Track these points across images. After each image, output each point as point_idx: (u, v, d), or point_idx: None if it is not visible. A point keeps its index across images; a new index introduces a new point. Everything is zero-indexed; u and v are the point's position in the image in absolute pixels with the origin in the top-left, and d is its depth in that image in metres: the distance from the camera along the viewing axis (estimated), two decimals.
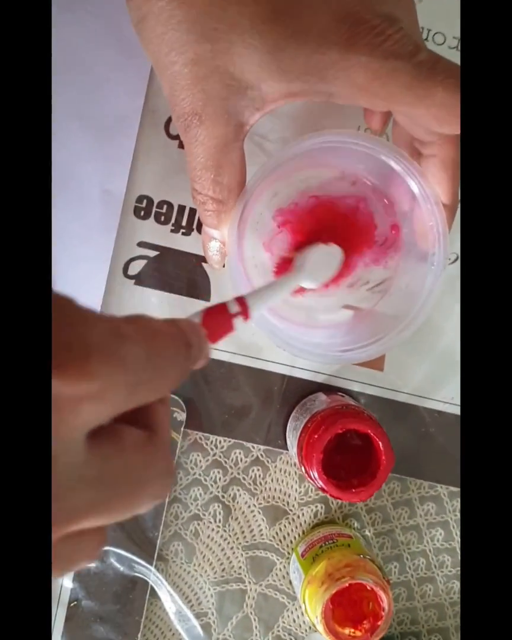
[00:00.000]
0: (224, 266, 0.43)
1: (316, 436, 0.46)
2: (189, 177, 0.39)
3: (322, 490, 0.46)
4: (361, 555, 0.48)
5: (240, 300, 0.35)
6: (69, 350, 0.18)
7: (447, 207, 0.41)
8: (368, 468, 0.47)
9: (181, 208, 0.50)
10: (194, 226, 0.50)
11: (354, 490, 0.46)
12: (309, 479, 0.47)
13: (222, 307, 0.34)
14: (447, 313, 0.53)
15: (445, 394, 0.53)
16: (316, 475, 0.45)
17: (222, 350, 0.51)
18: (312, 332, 0.49)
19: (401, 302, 0.46)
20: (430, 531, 0.53)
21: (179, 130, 0.38)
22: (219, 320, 0.34)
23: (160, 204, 0.50)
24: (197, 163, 0.38)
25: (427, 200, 0.41)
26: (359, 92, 0.35)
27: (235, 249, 0.41)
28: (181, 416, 0.50)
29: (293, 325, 0.48)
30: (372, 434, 0.46)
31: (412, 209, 0.44)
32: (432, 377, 0.53)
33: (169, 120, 0.50)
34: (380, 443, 0.46)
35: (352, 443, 0.49)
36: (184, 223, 0.50)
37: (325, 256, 0.45)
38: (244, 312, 0.34)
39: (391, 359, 0.53)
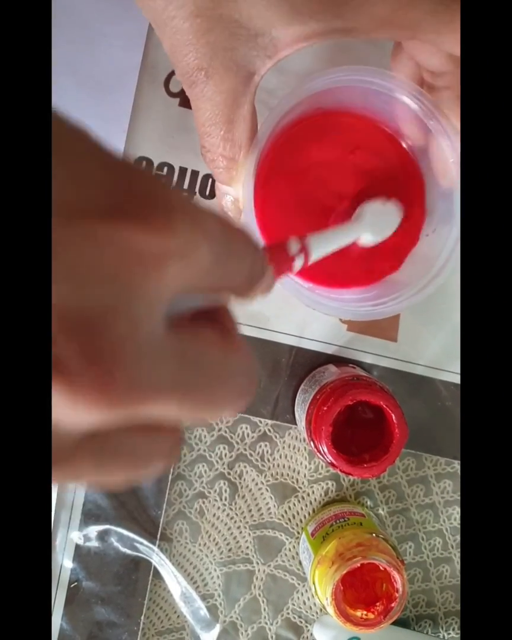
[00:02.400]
0: None
1: (325, 408, 0.43)
2: (197, 134, 0.37)
3: (332, 465, 0.43)
4: (374, 535, 0.46)
5: (302, 241, 0.33)
6: (153, 204, 0.17)
7: None
8: (381, 442, 0.45)
9: (183, 170, 0.48)
10: (197, 189, 0.48)
11: (365, 465, 0.43)
12: (318, 454, 0.44)
13: (282, 245, 0.33)
14: None
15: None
16: (325, 450, 0.43)
17: None
18: (339, 291, 0.46)
19: (429, 252, 0.43)
20: (447, 510, 0.51)
21: (184, 87, 0.36)
22: (279, 256, 0.33)
23: (161, 166, 0.47)
24: (206, 119, 0.36)
25: (445, 136, 0.39)
26: (381, 24, 0.33)
27: (251, 206, 0.38)
28: None
29: (316, 285, 0.46)
30: (384, 406, 0.43)
31: (427, 147, 0.41)
32: (449, 348, 0.50)
33: (170, 76, 0.47)
34: (393, 416, 0.43)
35: (363, 417, 0.47)
36: (185, 186, 0.48)
37: (385, 213, 0.42)
38: (304, 252, 0.33)
39: (405, 328, 0.50)
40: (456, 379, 0.50)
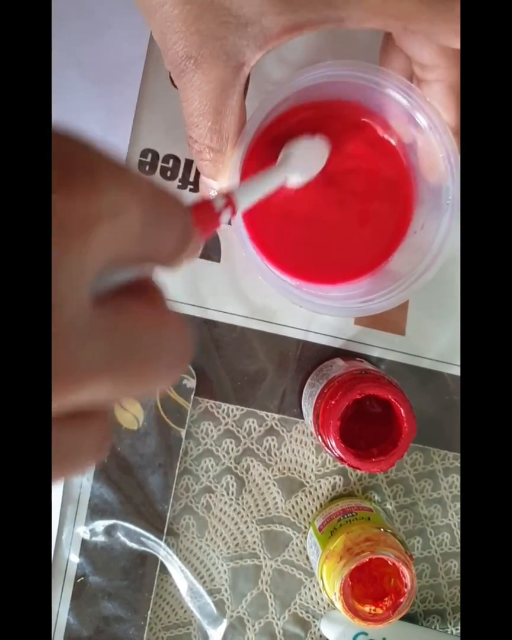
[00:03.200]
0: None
1: (332, 402, 0.43)
2: (185, 125, 0.37)
3: (340, 460, 0.43)
4: (382, 529, 0.45)
5: (226, 195, 0.32)
6: (72, 167, 0.15)
7: (456, 135, 0.39)
8: (389, 437, 0.44)
9: (188, 163, 0.47)
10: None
11: (374, 459, 0.43)
12: (326, 448, 0.44)
13: (207, 203, 0.31)
14: None
15: None
16: (333, 444, 0.43)
17: (234, 313, 0.48)
18: (329, 288, 0.46)
19: (420, 245, 0.43)
20: (455, 504, 0.51)
21: (173, 77, 0.35)
22: (205, 215, 0.31)
23: (166, 158, 0.47)
24: (194, 109, 0.36)
25: (435, 130, 0.39)
26: (373, 14, 0.32)
27: None
28: (191, 383, 0.47)
29: (308, 283, 0.45)
30: (392, 400, 0.43)
31: (416, 142, 0.41)
32: (456, 341, 0.50)
33: None
34: (401, 409, 0.43)
35: (372, 411, 0.47)
36: (191, 179, 0.47)
37: (311, 149, 0.41)
38: (230, 205, 0.32)
39: (412, 321, 0.49)
40: None
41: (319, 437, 0.45)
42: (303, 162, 0.41)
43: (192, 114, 0.36)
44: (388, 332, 0.50)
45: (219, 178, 0.38)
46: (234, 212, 0.32)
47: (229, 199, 0.32)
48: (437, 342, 0.50)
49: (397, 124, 0.43)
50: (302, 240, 0.45)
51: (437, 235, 0.41)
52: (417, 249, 0.43)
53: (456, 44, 0.34)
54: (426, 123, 0.40)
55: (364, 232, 0.45)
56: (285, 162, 0.40)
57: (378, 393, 0.43)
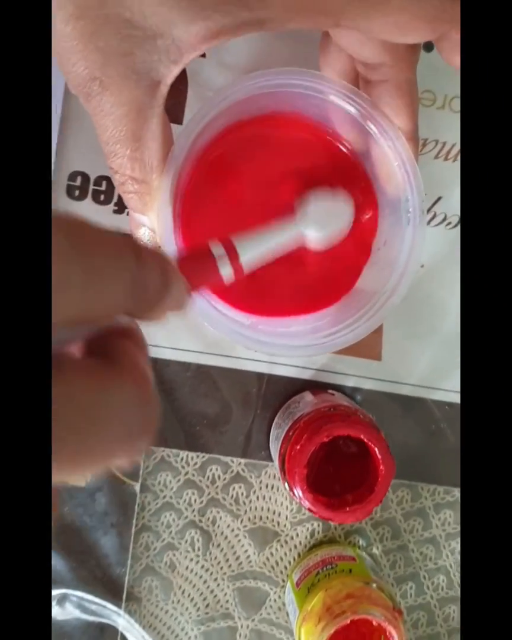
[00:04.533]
0: None
1: (298, 447, 0.38)
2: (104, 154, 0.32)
3: (311, 511, 0.38)
4: (366, 583, 0.40)
5: (226, 243, 0.30)
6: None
7: (410, 140, 0.34)
8: (366, 480, 0.39)
9: None
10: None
11: (348, 508, 0.38)
12: (294, 498, 0.39)
13: (202, 250, 0.29)
14: (451, 287, 0.44)
15: (455, 383, 0.45)
16: (301, 494, 0.38)
17: (187, 349, 0.43)
18: (291, 321, 0.41)
19: (384, 265, 0.38)
20: (449, 543, 0.45)
21: (81, 101, 0.31)
22: (199, 264, 0.29)
23: (98, 181, 0.42)
24: (109, 137, 0.31)
25: (387, 137, 0.34)
26: (297, 11, 0.28)
27: (171, 238, 0.33)
28: None
29: (266, 319, 0.40)
30: (365, 440, 0.38)
31: (369, 151, 0.36)
32: (439, 363, 0.45)
33: None
34: (376, 449, 0.38)
35: (346, 451, 0.42)
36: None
37: (333, 202, 0.37)
38: (232, 256, 0.30)
39: (389, 345, 0.44)
40: (450, 397, 0.45)
41: (286, 485, 0.39)
42: (324, 216, 0.36)
43: (108, 142, 0.31)
44: (363, 358, 0.44)
45: (147, 212, 0.34)
46: (236, 265, 0.30)
47: (229, 248, 0.30)
48: (417, 365, 0.45)
49: (348, 132, 0.38)
50: (256, 270, 0.40)
51: (401, 250, 0.36)
52: (383, 267, 0.38)
53: (398, 38, 0.29)
54: (376, 130, 0.35)
55: (325, 256, 0.40)
56: (302, 213, 0.36)
57: (349, 433, 0.38)
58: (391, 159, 0.35)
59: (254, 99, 0.35)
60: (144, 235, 0.35)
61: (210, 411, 0.43)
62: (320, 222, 0.36)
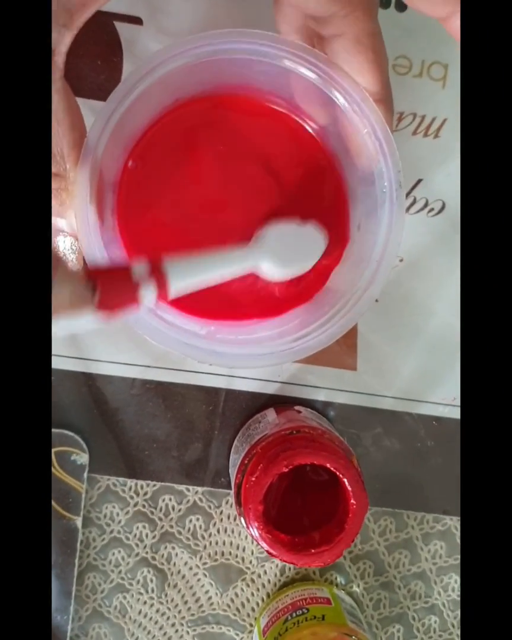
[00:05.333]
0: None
1: (253, 479, 0.32)
2: None
3: (270, 554, 0.32)
4: (342, 633, 0.35)
5: (155, 265, 0.26)
6: None
7: (379, 102, 0.29)
8: (337, 513, 0.34)
9: None
10: None
11: (313, 550, 0.32)
12: (251, 537, 0.33)
13: (123, 270, 0.26)
14: (436, 283, 0.39)
15: (444, 394, 0.39)
16: (257, 534, 0.32)
17: (130, 363, 0.37)
18: (250, 327, 0.35)
19: (359, 252, 0.32)
20: (441, 578, 0.40)
21: None
22: (117, 285, 0.25)
23: None
24: None
25: (352, 102, 0.28)
26: None
27: (97, 241, 0.28)
28: (82, 458, 0.37)
29: (219, 324, 0.35)
30: (332, 469, 0.32)
31: (335, 122, 0.31)
32: (424, 372, 0.39)
33: None
34: (345, 480, 0.32)
35: (315, 478, 0.36)
36: None
37: (300, 236, 0.32)
38: (158, 279, 0.26)
39: (365, 352, 0.39)
40: (438, 411, 0.39)
41: (242, 521, 0.34)
42: (286, 250, 0.31)
43: None
44: (335, 368, 0.39)
45: (66, 214, 0.28)
46: (163, 290, 0.26)
47: (156, 271, 0.26)
48: (398, 375, 0.39)
49: (307, 102, 0.32)
50: None
51: (378, 235, 0.30)
52: (357, 258, 0.32)
53: None
54: (339, 95, 0.29)
55: None
56: (260, 244, 0.31)
57: (312, 460, 0.32)
58: (359, 126, 0.29)
59: (195, 69, 0.29)
60: (65, 245, 0.30)
61: (160, 433, 0.38)
62: (281, 258, 0.31)
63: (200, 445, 0.38)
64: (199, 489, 0.38)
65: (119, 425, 0.37)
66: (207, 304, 0.34)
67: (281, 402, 0.39)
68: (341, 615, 0.36)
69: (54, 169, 0.27)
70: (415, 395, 0.39)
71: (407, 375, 0.39)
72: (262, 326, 0.35)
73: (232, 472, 0.37)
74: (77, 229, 0.28)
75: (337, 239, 0.34)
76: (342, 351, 0.39)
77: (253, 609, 0.39)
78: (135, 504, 0.38)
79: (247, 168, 0.33)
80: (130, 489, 0.38)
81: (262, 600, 0.39)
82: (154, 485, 0.38)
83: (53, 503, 0.37)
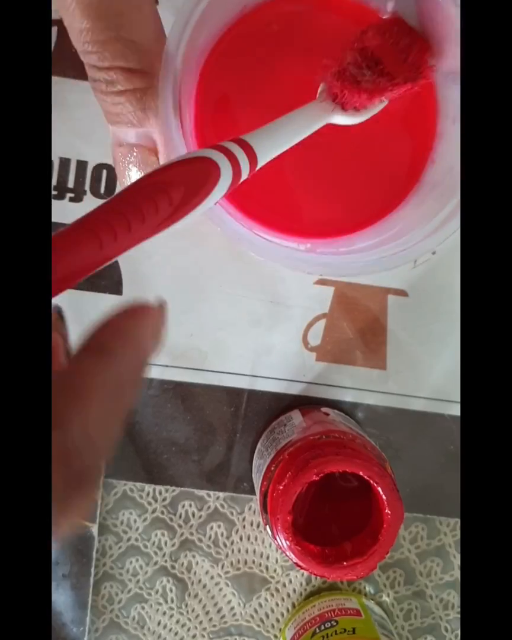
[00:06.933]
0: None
1: (280, 487, 0.30)
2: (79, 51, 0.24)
3: (298, 566, 0.30)
4: None
5: (240, 142, 0.24)
6: None
7: None
8: (370, 522, 0.32)
9: (65, 162, 0.35)
10: (86, 187, 0.35)
11: (346, 562, 0.30)
12: (278, 547, 0.31)
13: (206, 155, 0.22)
14: None
15: None
16: (285, 545, 0.30)
17: (149, 363, 0.35)
18: (349, 239, 0.33)
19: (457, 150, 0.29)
20: None
21: None
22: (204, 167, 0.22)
23: None
24: (75, 14, 0.23)
25: None
26: None
27: (181, 148, 0.26)
28: None
29: (317, 241, 0.33)
30: (365, 477, 0.30)
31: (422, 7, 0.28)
32: (457, 371, 0.37)
33: None
34: (380, 489, 0.30)
35: (345, 485, 0.34)
36: (71, 184, 0.35)
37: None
38: (245, 149, 0.24)
39: (395, 351, 0.36)
40: None
41: (268, 530, 0.32)
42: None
43: (75, 22, 0.23)
44: (363, 367, 0.37)
45: (147, 123, 0.26)
46: (253, 164, 0.24)
47: (243, 144, 0.24)
48: (430, 374, 0.37)
49: None
50: (298, 189, 0.33)
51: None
52: (454, 156, 0.30)
53: None
54: None
55: (377, 150, 0.32)
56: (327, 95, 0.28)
57: (344, 468, 0.30)
58: (451, 11, 0.26)
59: None
60: (133, 164, 0.27)
61: (179, 436, 0.36)
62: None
63: (221, 448, 0.36)
64: (221, 494, 0.36)
65: (136, 428, 0.35)
66: (301, 224, 0.32)
67: (306, 404, 0.37)
68: (372, 628, 0.34)
69: (137, 65, 0.24)
70: (448, 396, 0.37)
71: (439, 375, 0.37)
72: (358, 237, 0.33)
73: (256, 477, 0.35)
74: (157, 134, 0.26)
75: (424, 132, 0.32)
76: (371, 349, 0.37)
77: (278, 620, 0.37)
78: (154, 511, 0.36)
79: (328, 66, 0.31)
80: (148, 494, 0.36)
81: (288, 610, 0.37)
82: (173, 491, 0.36)
83: None
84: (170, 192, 0.21)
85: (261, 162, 0.25)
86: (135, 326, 0.17)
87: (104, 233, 0.19)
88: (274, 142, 0.26)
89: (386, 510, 0.30)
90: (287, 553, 0.30)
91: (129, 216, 0.19)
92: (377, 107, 0.29)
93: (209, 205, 0.23)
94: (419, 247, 0.28)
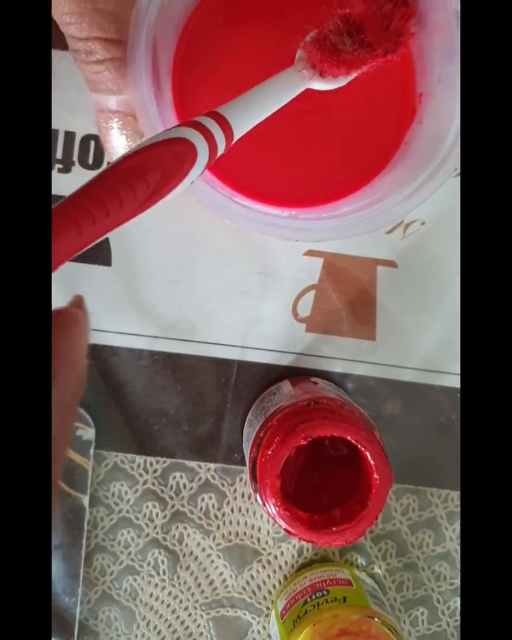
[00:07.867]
0: None
1: (268, 452, 0.30)
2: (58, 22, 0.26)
3: (288, 532, 0.30)
4: (365, 615, 0.33)
5: (214, 114, 0.24)
6: None
7: None
8: (358, 490, 0.32)
9: (53, 133, 0.35)
10: (75, 158, 0.35)
11: (335, 528, 0.30)
12: (267, 514, 0.31)
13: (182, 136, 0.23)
14: (459, 249, 0.36)
15: None
16: (274, 511, 0.30)
17: (138, 334, 0.35)
18: (332, 205, 0.33)
19: (441, 110, 0.29)
20: None
21: None
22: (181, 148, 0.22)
23: None
24: None
25: None
26: None
27: (154, 114, 0.26)
28: (88, 433, 0.35)
29: (300, 210, 0.33)
30: (353, 442, 0.30)
31: None
32: (447, 341, 0.37)
33: None
34: (368, 454, 0.30)
35: (335, 453, 0.34)
36: (59, 155, 0.35)
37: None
38: (220, 123, 0.24)
39: (384, 321, 0.37)
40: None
41: (258, 498, 0.32)
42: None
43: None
44: (352, 338, 0.37)
45: (125, 88, 0.27)
46: (229, 139, 0.24)
47: (213, 115, 0.24)
48: (419, 345, 0.37)
49: None
50: (277, 158, 0.33)
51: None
52: (438, 117, 0.29)
53: None
54: None
55: (356, 115, 0.32)
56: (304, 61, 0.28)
57: (332, 433, 0.30)
58: None
59: None
60: (116, 131, 0.28)
61: (169, 407, 0.36)
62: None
63: (212, 419, 0.36)
64: (212, 465, 0.36)
65: (127, 399, 0.35)
66: (281, 190, 0.32)
67: (295, 375, 0.37)
68: (363, 598, 0.34)
69: (115, 35, 0.25)
70: (438, 366, 0.37)
71: (429, 345, 0.37)
72: (345, 203, 0.32)
73: (246, 446, 0.35)
74: (135, 102, 0.26)
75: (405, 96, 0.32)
76: (360, 320, 0.37)
77: (270, 592, 0.37)
78: (145, 482, 0.36)
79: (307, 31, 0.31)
80: (139, 466, 0.36)
81: (279, 582, 0.37)
82: (164, 462, 0.36)
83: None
84: (146, 176, 0.21)
85: (237, 135, 0.25)
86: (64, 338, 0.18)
87: (83, 219, 0.19)
88: (251, 112, 0.26)
89: (374, 476, 0.30)
90: (277, 519, 0.30)
91: (107, 202, 0.20)
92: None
93: (187, 185, 0.23)
94: (400, 208, 0.28)
